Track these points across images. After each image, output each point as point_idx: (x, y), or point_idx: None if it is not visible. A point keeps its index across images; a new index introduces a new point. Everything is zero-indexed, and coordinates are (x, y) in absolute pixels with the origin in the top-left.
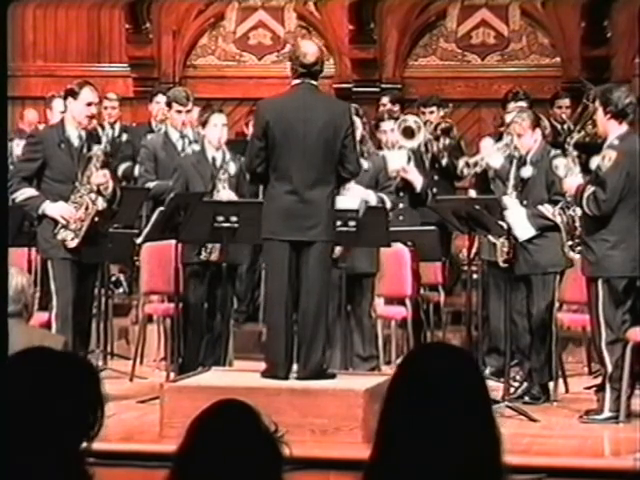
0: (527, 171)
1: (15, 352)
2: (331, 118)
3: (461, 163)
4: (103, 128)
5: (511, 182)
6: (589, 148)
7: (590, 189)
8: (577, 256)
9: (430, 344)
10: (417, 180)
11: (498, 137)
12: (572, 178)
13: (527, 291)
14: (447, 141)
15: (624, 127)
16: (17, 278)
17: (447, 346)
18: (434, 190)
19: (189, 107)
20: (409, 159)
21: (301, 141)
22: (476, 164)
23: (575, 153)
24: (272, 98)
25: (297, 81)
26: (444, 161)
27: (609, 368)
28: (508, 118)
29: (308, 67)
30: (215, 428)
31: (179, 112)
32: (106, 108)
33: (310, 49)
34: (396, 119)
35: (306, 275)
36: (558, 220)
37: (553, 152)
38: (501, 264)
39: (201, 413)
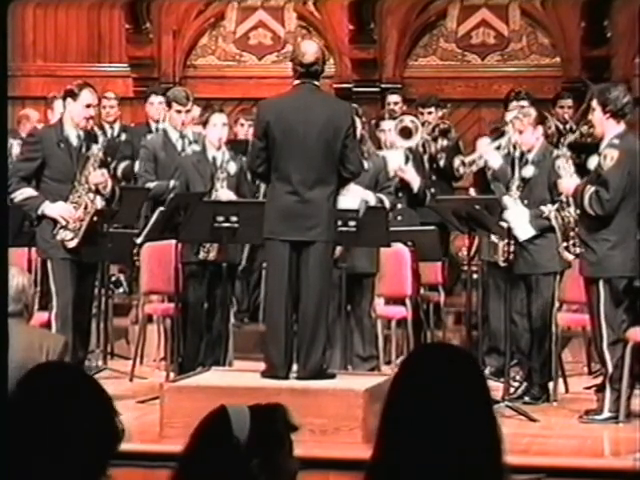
0: (529, 171)
1: (34, 367)
2: (331, 118)
3: (457, 162)
4: (103, 128)
5: (515, 183)
6: (583, 148)
7: (591, 189)
8: (571, 257)
9: (432, 344)
10: (414, 180)
11: (497, 137)
12: (568, 179)
13: (527, 291)
14: (445, 142)
15: (622, 126)
16: (17, 278)
17: (449, 346)
18: (432, 191)
19: (189, 107)
20: (407, 159)
21: (301, 141)
22: (472, 163)
23: (569, 153)
24: (272, 98)
25: (298, 81)
26: (442, 162)
27: (610, 368)
28: (509, 117)
29: (307, 67)
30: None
31: (179, 112)
32: (104, 107)
33: (309, 49)
34: (396, 119)
35: (306, 275)
36: (553, 221)
37: (556, 152)
38: (501, 264)
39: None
